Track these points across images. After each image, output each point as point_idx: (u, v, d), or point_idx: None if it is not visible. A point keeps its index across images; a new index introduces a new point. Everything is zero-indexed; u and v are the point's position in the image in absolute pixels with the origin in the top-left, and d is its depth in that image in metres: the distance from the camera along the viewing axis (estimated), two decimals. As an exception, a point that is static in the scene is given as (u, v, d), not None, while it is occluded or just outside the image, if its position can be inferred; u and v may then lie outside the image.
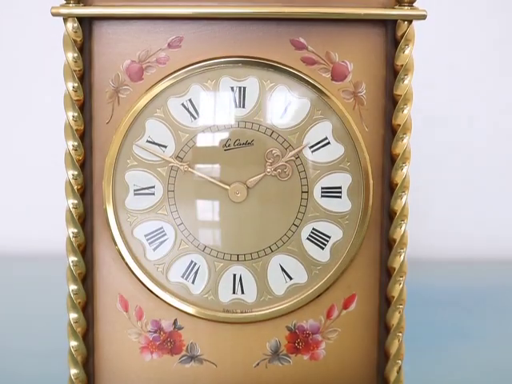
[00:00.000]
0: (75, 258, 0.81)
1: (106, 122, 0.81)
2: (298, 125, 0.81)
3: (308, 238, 0.83)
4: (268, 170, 0.81)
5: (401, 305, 0.82)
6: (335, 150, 0.82)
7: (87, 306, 0.83)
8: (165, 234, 0.83)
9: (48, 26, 0.98)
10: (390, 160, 0.81)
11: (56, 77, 0.89)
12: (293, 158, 0.81)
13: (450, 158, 1.43)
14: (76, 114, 0.79)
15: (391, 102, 0.80)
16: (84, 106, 0.80)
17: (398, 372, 0.83)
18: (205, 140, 0.81)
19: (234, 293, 0.84)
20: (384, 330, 0.84)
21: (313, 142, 0.81)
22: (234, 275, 0.83)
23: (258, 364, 0.85)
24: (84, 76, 0.80)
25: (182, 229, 0.82)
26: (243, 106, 0.80)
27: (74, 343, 0.82)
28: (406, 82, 0.79)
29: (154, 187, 0.82)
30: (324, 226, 0.83)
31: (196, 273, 0.83)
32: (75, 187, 0.80)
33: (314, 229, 0.83)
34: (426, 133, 1.39)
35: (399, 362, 0.83)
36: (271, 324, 0.84)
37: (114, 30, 0.80)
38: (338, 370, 0.85)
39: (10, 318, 1.13)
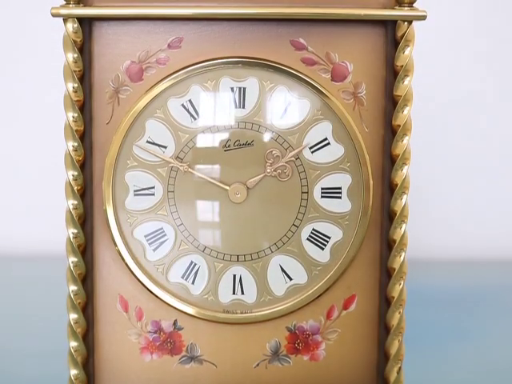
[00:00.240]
0: (75, 259, 0.81)
1: (105, 122, 0.81)
2: (297, 125, 0.81)
3: (308, 239, 0.83)
4: (268, 170, 0.81)
5: (401, 305, 0.82)
6: (335, 151, 0.81)
7: (87, 307, 0.83)
8: (165, 235, 0.83)
9: (48, 27, 0.98)
10: (390, 160, 0.81)
11: (56, 77, 0.89)
12: (293, 158, 0.81)
13: (450, 158, 1.43)
14: (76, 115, 0.79)
15: (391, 102, 0.80)
16: (84, 107, 0.80)
17: (398, 372, 0.83)
18: (205, 140, 0.81)
19: (233, 293, 0.84)
20: (384, 330, 0.84)
21: (313, 143, 0.81)
22: (234, 276, 0.83)
23: (257, 365, 0.85)
24: (84, 76, 0.80)
25: (182, 229, 0.82)
26: (243, 107, 0.80)
27: (73, 344, 0.82)
28: (405, 82, 0.79)
29: (153, 188, 0.82)
30: (324, 227, 0.83)
31: (196, 273, 0.83)
32: (75, 188, 0.80)
33: (313, 229, 0.83)
34: (425, 133, 1.39)
35: (399, 362, 0.83)
36: (271, 324, 0.84)
37: (113, 30, 0.80)
38: (338, 370, 0.85)
39: (10, 318, 1.13)
